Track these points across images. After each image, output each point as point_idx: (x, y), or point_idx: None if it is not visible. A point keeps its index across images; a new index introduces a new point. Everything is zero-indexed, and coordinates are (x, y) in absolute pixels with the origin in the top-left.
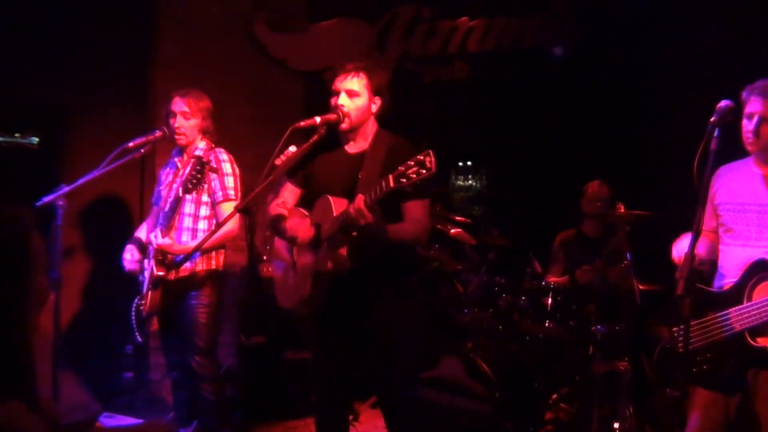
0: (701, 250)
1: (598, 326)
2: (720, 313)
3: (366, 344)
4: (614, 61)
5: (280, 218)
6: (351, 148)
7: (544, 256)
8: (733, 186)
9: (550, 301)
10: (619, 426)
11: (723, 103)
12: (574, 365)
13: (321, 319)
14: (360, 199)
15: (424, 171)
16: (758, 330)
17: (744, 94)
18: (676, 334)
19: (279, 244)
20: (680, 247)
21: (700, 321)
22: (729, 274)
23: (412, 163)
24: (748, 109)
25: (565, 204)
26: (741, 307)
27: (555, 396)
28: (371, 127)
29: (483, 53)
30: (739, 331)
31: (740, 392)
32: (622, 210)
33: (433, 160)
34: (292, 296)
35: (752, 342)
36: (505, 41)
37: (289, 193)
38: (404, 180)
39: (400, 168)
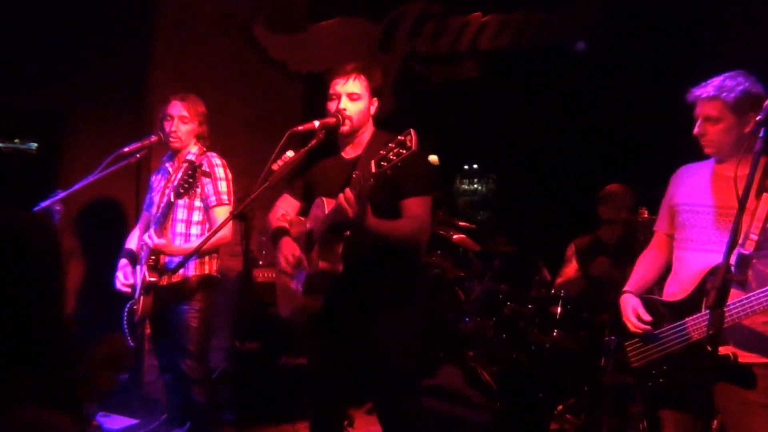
0: (647, 274)
1: (612, 337)
2: (675, 324)
3: (364, 352)
4: (639, 60)
5: (280, 232)
6: (348, 153)
7: (552, 264)
8: (691, 186)
9: (559, 309)
10: None
11: None
12: (582, 375)
13: (318, 324)
14: (348, 190)
15: (404, 151)
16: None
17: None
18: (628, 349)
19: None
20: (628, 309)
21: (656, 332)
22: (686, 282)
23: (393, 144)
24: (697, 110)
25: (577, 210)
26: (698, 315)
27: (561, 407)
28: (368, 131)
29: (496, 51)
30: (697, 341)
31: (705, 413)
32: (646, 215)
33: (414, 138)
34: (290, 304)
35: (710, 350)
36: (524, 38)
37: (289, 205)
38: (385, 163)
39: (381, 152)
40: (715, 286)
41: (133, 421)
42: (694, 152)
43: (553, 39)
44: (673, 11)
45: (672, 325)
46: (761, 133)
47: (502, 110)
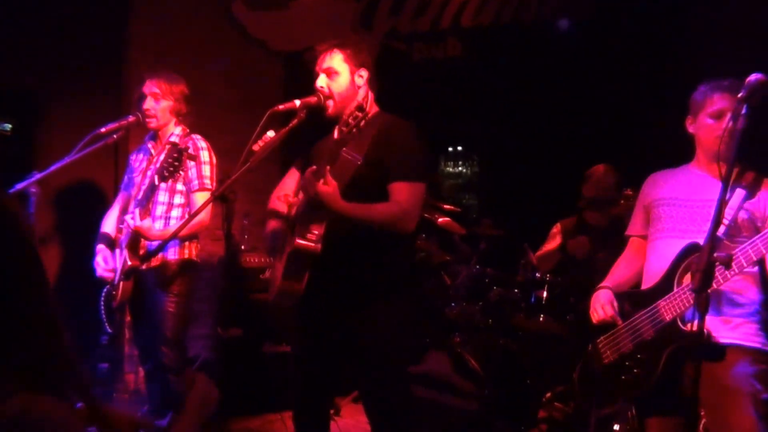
0: (625, 274)
1: None
2: (646, 309)
3: (348, 340)
4: (624, 38)
5: (268, 215)
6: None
7: (538, 248)
8: (668, 185)
9: (545, 294)
10: (620, 428)
11: (753, 77)
12: (570, 362)
13: (302, 311)
14: (311, 169)
15: (360, 114)
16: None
17: (705, 92)
18: (600, 347)
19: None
20: (599, 303)
21: (626, 323)
22: (657, 270)
23: (354, 109)
24: (716, 107)
25: (564, 192)
26: (669, 295)
27: (549, 394)
28: (368, 107)
29: (479, 28)
30: (670, 321)
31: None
32: (630, 193)
33: (370, 101)
34: (273, 288)
35: (684, 327)
36: (504, 14)
37: (293, 180)
38: (345, 129)
39: (344, 118)
40: (700, 269)
41: None
42: (679, 133)
43: (534, 16)
44: None
45: (643, 311)
46: (743, 110)
47: (485, 89)
